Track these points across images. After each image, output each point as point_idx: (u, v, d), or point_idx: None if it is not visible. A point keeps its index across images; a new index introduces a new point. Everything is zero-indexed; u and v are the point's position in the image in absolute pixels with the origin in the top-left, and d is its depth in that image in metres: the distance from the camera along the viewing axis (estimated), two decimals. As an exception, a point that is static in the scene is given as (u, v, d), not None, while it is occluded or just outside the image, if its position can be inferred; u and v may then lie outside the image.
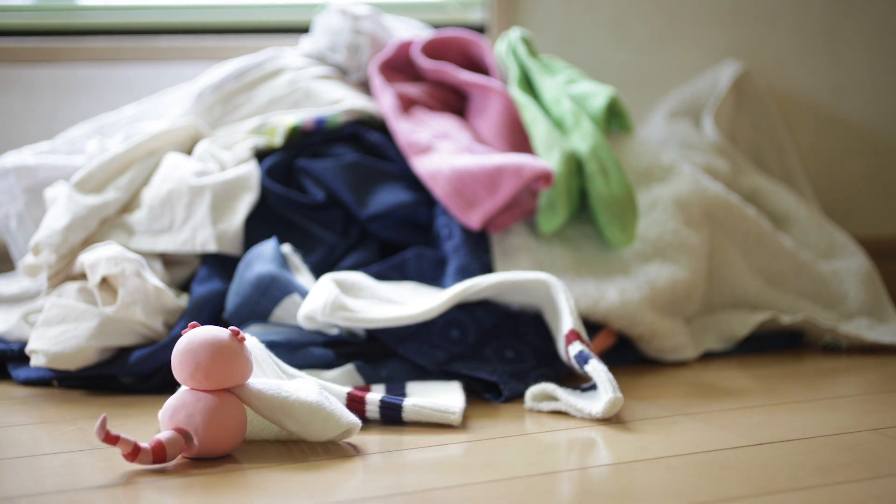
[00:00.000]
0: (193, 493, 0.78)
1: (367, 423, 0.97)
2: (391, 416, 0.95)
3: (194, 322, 0.87)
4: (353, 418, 0.88)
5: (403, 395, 1.02)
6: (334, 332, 1.12)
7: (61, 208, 1.21)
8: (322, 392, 0.89)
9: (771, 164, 1.69)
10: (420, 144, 1.32)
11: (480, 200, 1.24)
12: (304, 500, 0.77)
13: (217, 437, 0.84)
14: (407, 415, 0.94)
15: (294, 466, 0.84)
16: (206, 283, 1.20)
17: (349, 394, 0.95)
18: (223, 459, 0.86)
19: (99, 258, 1.12)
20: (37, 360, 1.11)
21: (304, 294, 1.13)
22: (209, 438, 0.83)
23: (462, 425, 0.97)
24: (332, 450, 0.89)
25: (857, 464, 0.84)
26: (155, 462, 0.81)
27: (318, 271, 1.25)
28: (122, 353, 1.14)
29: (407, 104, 1.40)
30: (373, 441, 0.92)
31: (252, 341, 0.93)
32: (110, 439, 0.79)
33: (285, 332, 1.11)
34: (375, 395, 0.95)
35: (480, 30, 1.75)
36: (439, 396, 1.00)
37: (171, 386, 1.10)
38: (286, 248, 1.22)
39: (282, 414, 0.86)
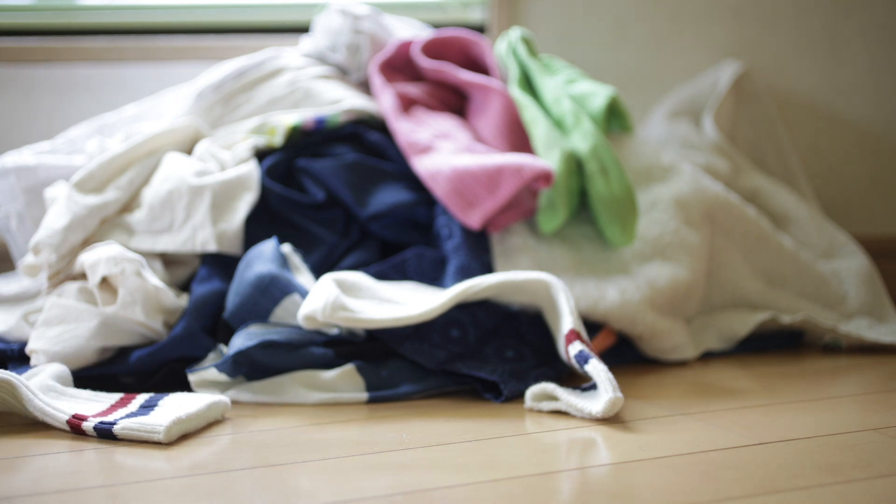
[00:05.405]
0: (194, 494, 0.78)
1: (363, 421, 0.96)
2: (107, 437, 0.93)
3: None
4: None
5: (156, 406, 0.99)
6: (334, 331, 1.12)
7: (61, 208, 1.21)
8: None
9: (771, 164, 1.69)
10: (420, 144, 1.32)
11: (480, 200, 1.24)
12: (304, 499, 0.77)
13: None
14: (119, 435, 0.92)
15: (293, 465, 0.84)
16: (206, 283, 1.20)
17: (68, 421, 0.94)
18: (211, 457, 0.85)
19: (99, 258, 1.12)
20: (37, 360, 1.11)
21: (304, 294, 1.13)
22: None
23: (463, 425, 0.97)
24: (333, 449, 0.89)
25: (857, 464, 0.84)
26: None
27: (318, 271, 1.25)
28: (122, 353, 1.14)
29: (407, 104, 1.40)
30: (372, 440, 0.92)
31: None
32: None
33: (285, 332, 1.11)
34: (90, 423, 0.93)
35: (480, 30, 1.75)
36: (186, 405, 0.97)
37: (171, 385, 1.10)
38: (286, 247, 1.22)
39: None
